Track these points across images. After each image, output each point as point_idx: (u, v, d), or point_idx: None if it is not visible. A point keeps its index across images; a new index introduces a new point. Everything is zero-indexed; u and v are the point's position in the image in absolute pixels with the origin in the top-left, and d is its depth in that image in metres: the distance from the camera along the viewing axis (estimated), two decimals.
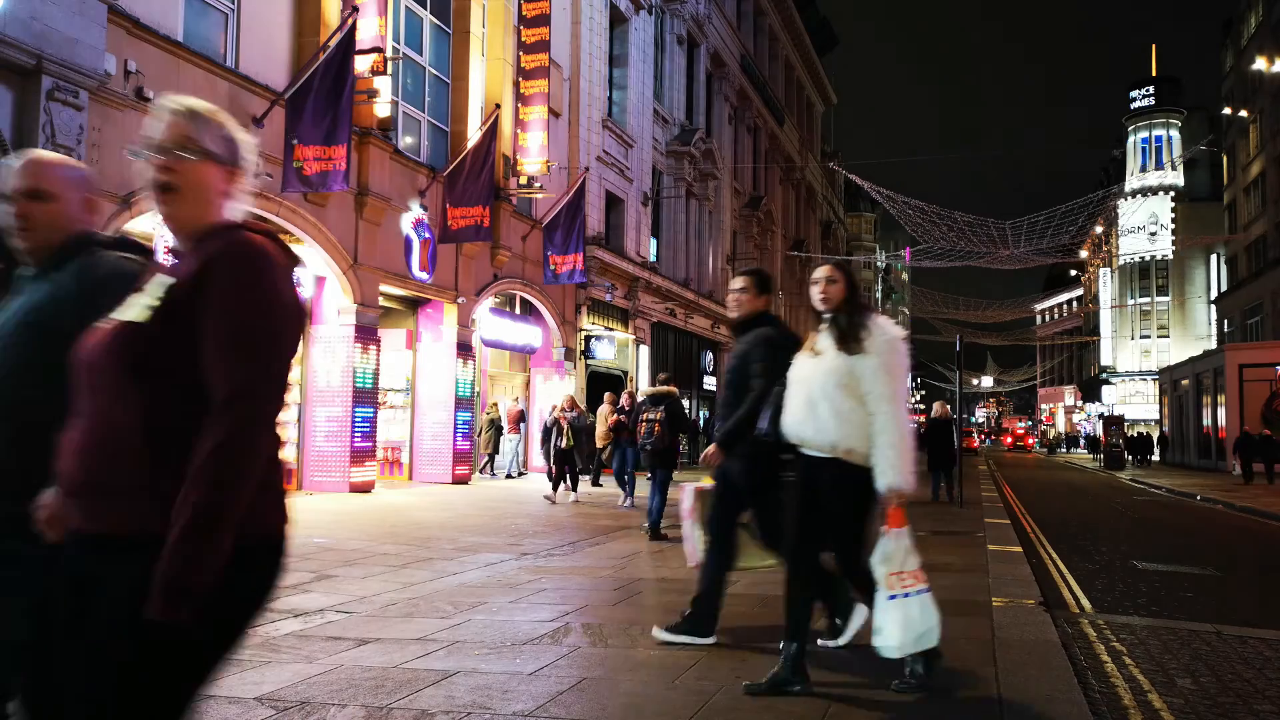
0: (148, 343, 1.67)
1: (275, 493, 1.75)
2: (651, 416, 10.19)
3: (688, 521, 4.91)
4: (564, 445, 13.83)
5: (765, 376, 4.37)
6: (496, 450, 19.13)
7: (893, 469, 3.59)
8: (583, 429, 14.34)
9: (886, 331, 3.76)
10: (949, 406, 16.39)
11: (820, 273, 3.95)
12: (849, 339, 3.71)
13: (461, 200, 16.02)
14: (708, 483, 4.79)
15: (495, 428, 18.91)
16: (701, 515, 4.81)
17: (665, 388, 10.92)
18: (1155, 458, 44.11)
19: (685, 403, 19.33)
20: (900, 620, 3.56)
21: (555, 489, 13.93)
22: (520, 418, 19.32)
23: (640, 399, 11.48)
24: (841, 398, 3.66)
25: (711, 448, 4.52)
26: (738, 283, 4.72)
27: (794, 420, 3.82)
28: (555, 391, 19.92)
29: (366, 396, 14.58)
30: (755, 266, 5.11)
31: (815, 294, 3.90)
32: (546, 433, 14.56)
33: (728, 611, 5.73)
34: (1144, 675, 4.74)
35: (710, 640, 4.66)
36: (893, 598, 3.59)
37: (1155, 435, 47.48)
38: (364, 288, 14.55)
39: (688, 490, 4.92)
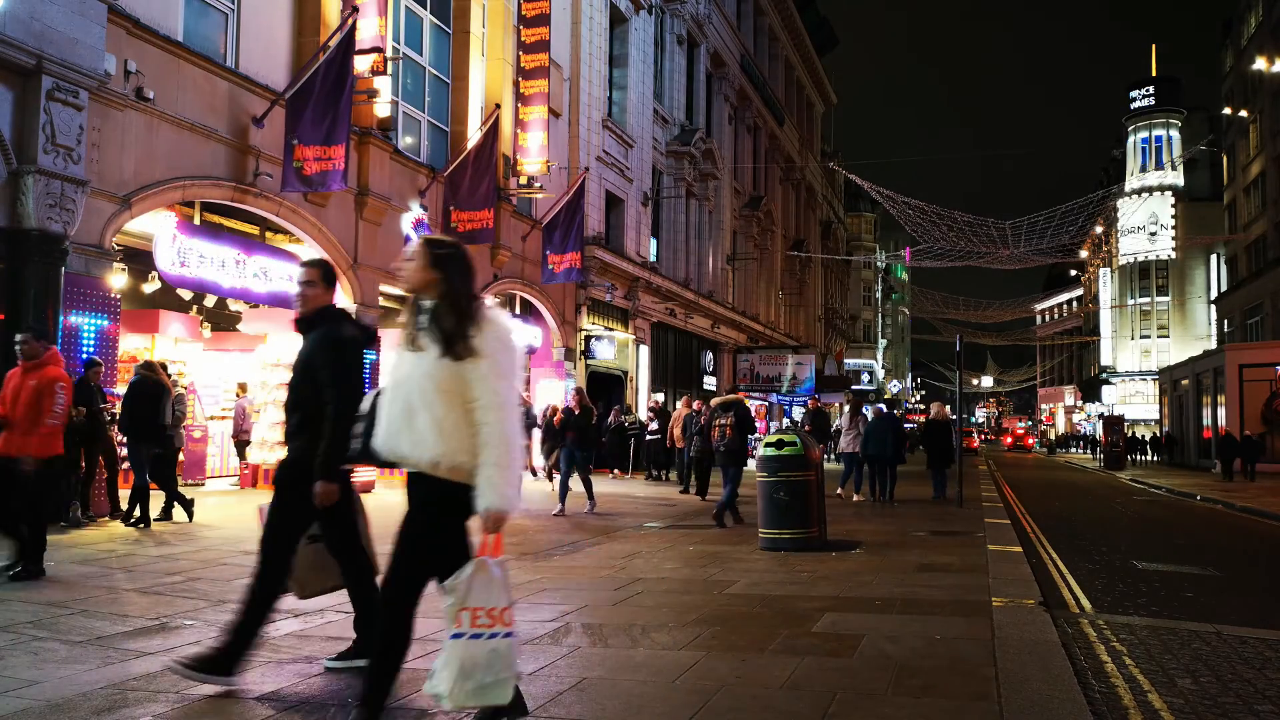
0: None
1: None
2: (723, 421, 11.28)
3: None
4: None
5: (336, 386, 3.95)
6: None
7: (493, 489, 3.02)
8: (531, 428, 13.13)
9: (498, 327, 3.21)
10: (948, 408, 16.76)
11: (411, 250, 3.33)
12: (454, 340, 3.12)
13: (467, 203, 16.03)
14: None
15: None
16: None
17: (734, 395, 11.91)
18: (1154, 458, 44.20)
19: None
20: (458, 663, 2.95)
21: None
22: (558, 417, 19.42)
23: (712, 406, 12.43)
24: (443, 406, 3.09)
25: (319, 486, 3.91)
26: (302, 274, 4.23)
27: (389, 431, 3.19)
28: (556, 391, 19.93)
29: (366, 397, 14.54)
30: (319, 257, 4.50)
31: (405, 274, 3.33)
32: (548, 431, 14.42)
33: (729, 611, 5.75)
34: (1144, 675, 4.73)
35: (232, 682, 3.95)
36: (457, 636, 2.98)
37: (1153, 436, 47.55)
38: (364, 288, 14.54)
39: (264, 510, 4.23)
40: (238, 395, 14.95)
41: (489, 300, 3.25)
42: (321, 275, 4.26)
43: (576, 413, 12.41)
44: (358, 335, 4.22)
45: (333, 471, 3.95)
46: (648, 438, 19.84)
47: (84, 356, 9.75)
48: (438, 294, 3.24)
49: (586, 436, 12.49)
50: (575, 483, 12.27)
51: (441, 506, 3.16)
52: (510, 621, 3.05)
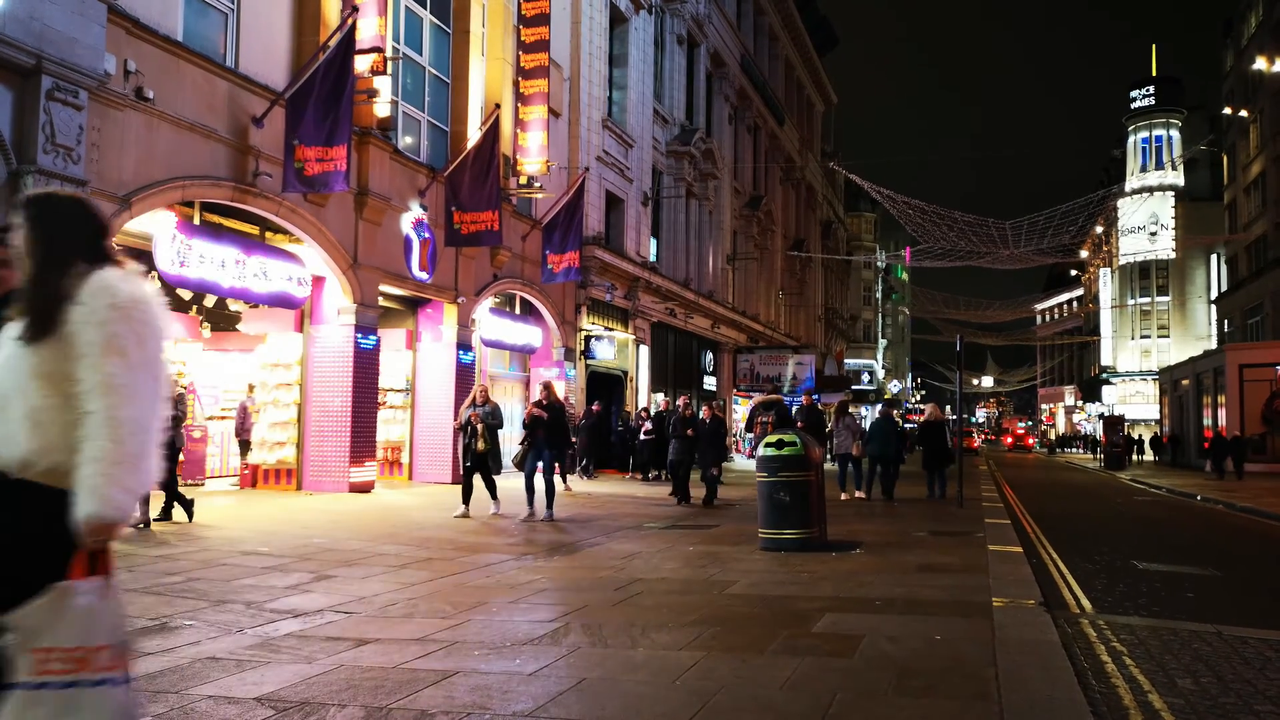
0: None
1: None
2: (764, 419, 12.21)
3: None
4: (481, 448, 11.22)
5: None
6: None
7: (93, 492, 2.29)
8: (497, 428, 11.74)
9: (113, 293, 2.45)
10: (946, 409, 16.92)
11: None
12: (35, 313, 2.47)
13: (471, 205, 15.99)
14: None
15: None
16: None
17: (774, 396, 13.12)
18: (1154, 458, 44.22)
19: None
20: None
21: (466, 502, 11.46)
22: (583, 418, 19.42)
23: (754, 403, 13.48)
24: (38, 393, 2.43)
25: None
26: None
27: None
28: (560, 391, 19.92)
29: (366, 396, 14.57)
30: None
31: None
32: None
33: (729, 612, 5.74)
34: (1145, 675, 4.73)
35: None
36: (20, 686, 2.20)
37: (1153, 436, 47.61)
38: (364, 288, 14.54)
39: None
40: (248, 395, 15.02)
41: (129, 265, 2.55)
42: None
43: (545, 417, 11.49)
44: None
45: None
46: (642, 437, 19.84)
47: None
48: (27, 257, 2.58)
49: (557, 436, 11.73)
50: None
51: (29, 522, 2.37)
52: (112, 665, 2.25)
